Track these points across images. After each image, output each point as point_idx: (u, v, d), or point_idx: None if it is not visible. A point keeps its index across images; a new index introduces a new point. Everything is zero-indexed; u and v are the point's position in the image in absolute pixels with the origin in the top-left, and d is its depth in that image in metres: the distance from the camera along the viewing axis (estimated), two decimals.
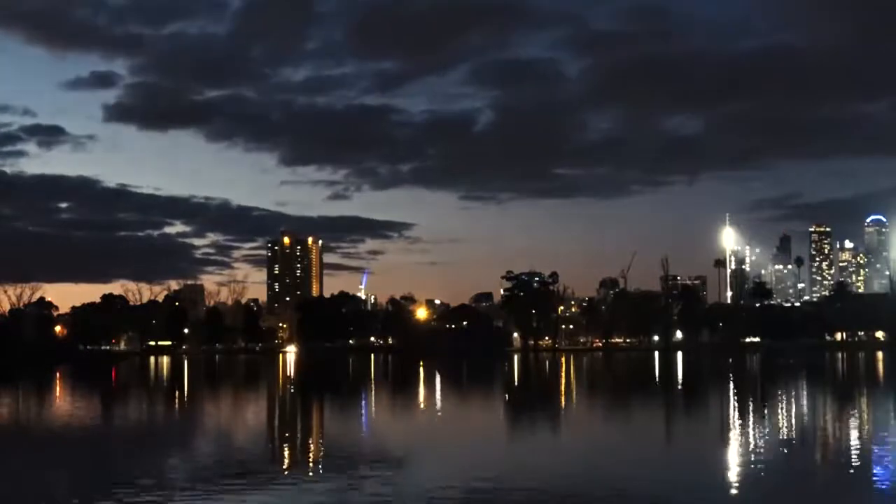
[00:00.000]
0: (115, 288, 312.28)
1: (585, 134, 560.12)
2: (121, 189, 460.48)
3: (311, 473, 30.68)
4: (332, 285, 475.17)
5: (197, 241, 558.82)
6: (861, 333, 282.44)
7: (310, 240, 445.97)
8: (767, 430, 41.94)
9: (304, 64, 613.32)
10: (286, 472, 31.21)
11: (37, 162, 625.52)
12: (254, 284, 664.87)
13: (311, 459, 34.26)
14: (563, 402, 66.79)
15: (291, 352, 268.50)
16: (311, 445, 39.23)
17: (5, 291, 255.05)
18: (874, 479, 28.31)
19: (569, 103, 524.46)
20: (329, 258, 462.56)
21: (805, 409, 55.75)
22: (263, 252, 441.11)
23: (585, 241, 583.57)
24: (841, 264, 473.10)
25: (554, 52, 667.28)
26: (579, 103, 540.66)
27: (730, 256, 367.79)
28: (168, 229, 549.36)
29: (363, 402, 68.69)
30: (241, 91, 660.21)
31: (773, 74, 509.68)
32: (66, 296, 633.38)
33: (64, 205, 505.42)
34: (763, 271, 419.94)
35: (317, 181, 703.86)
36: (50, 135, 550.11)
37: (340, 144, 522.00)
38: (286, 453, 36.56)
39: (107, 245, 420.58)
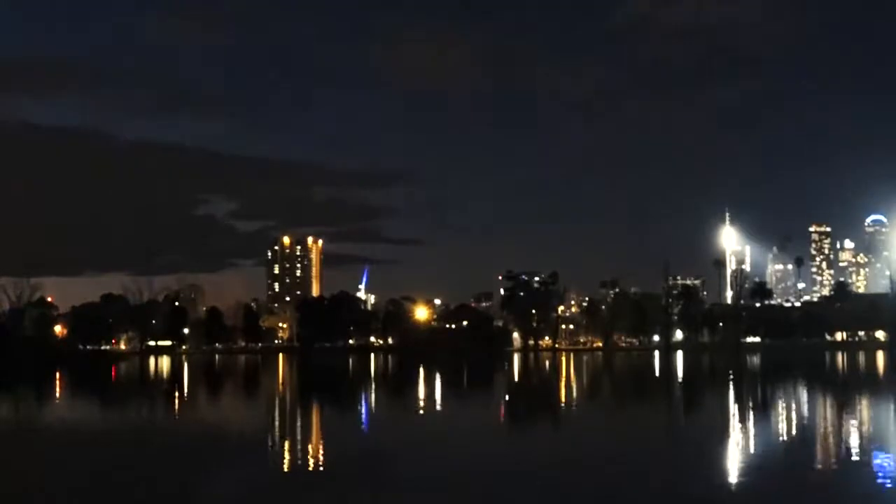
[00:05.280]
0: (115, 286, 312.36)
1: None
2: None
3: (311, 478, 30.62)
4: (333, 283, 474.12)
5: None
6: (861, 333, 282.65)
7: (309, 239, 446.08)
8: (767, 430, 41.93)
9: None
10: (287, 476, 31.14)
11: None
12: (254, 284, 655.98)
13: (311, 462, 34.19)
14: (564, 403, 66.73)
15: (291, 352, 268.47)
16: (311, 448, 39.16)
17: (5, 290, 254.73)
18: (875, 478, 28.26)
19: None
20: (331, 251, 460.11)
21: (805, 408, 55.72)
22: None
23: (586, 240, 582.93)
24: (841, 264, 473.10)
25: None
26: None
27: (730, 256, 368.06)
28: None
29: (363, 403, 68.62)
30: None
31: None
32: (65, 292, 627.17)
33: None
34: (763, 271, 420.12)
35: None
36: None
37: None
38: (286, 456, 36.50)
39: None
